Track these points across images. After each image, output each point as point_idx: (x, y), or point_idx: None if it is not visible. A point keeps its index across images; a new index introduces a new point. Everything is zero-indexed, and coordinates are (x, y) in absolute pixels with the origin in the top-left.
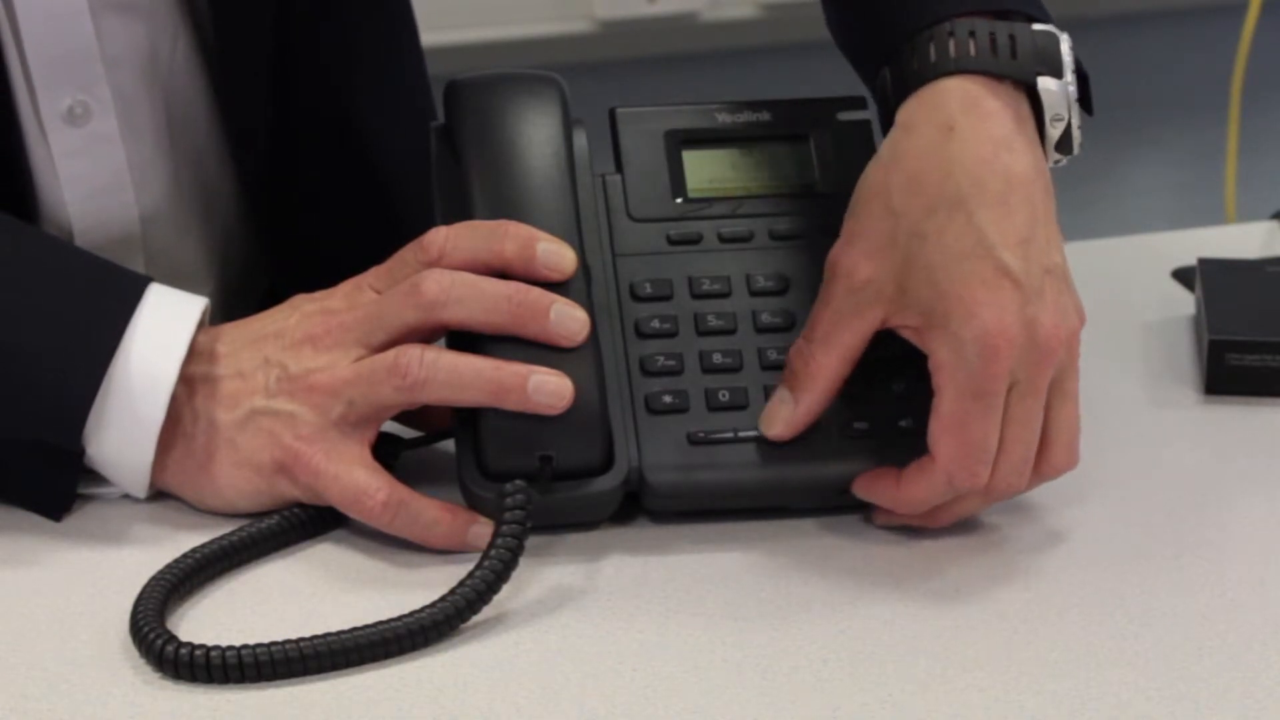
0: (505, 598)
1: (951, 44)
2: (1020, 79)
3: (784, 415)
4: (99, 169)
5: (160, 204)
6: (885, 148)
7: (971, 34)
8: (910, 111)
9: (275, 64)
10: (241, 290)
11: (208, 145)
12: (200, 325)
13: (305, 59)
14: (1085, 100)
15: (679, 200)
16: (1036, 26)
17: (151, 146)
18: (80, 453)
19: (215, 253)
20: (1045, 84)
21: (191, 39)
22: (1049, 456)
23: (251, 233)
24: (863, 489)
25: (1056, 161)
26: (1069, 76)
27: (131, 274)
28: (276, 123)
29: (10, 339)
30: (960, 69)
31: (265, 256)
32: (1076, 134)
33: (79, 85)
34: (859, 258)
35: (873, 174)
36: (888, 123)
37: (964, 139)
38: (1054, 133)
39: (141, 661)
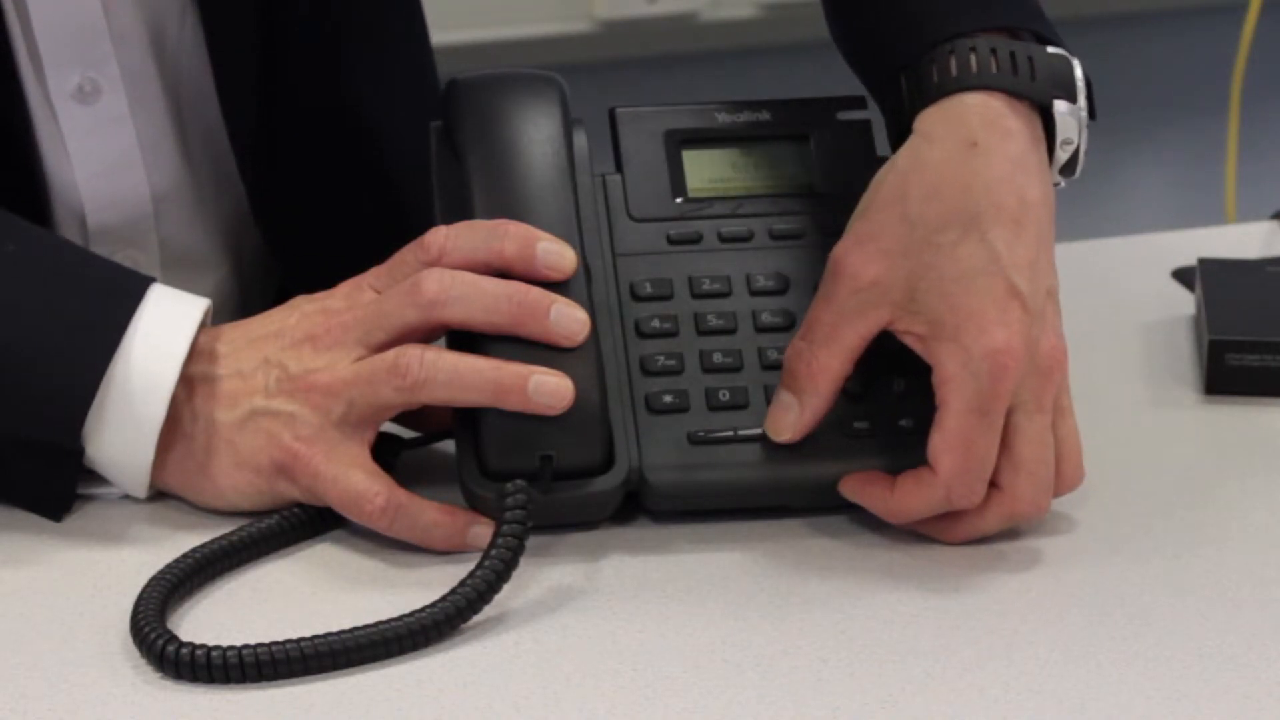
0: (505, 598)
1: (973, 59)
2: (1038, 100)
3: (790, 420)
4: (109, 148)
5: (171, 184)
6: (904, 154)
7: (993, 51)
8: (931, 122)
9: (266, 53)
10: (255, 276)
11: (218, 126)
12: (202, 326)
13: (297, 49)
14: (1089, 105)
15: (679, 200)
16: (1050, 49)
17: (161, 126)
18: (80, 452)
19: (228, 237)
20: (1059, 107)
21: (199, 17)
22: (1061, 472)
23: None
24: (851, 491)
25: (1057, 184)
26: (1081, 101)
27: (134, 274)
28: (271, 114)
29: (11, 337)
30: (983, 85)
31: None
32: (1082, 158)
33: (88, 63)
34: (867, 259)
35: (889, 178)
36: (898, 130)
37: (986, 156)
38: (1062, 155)
39: (142, 661)
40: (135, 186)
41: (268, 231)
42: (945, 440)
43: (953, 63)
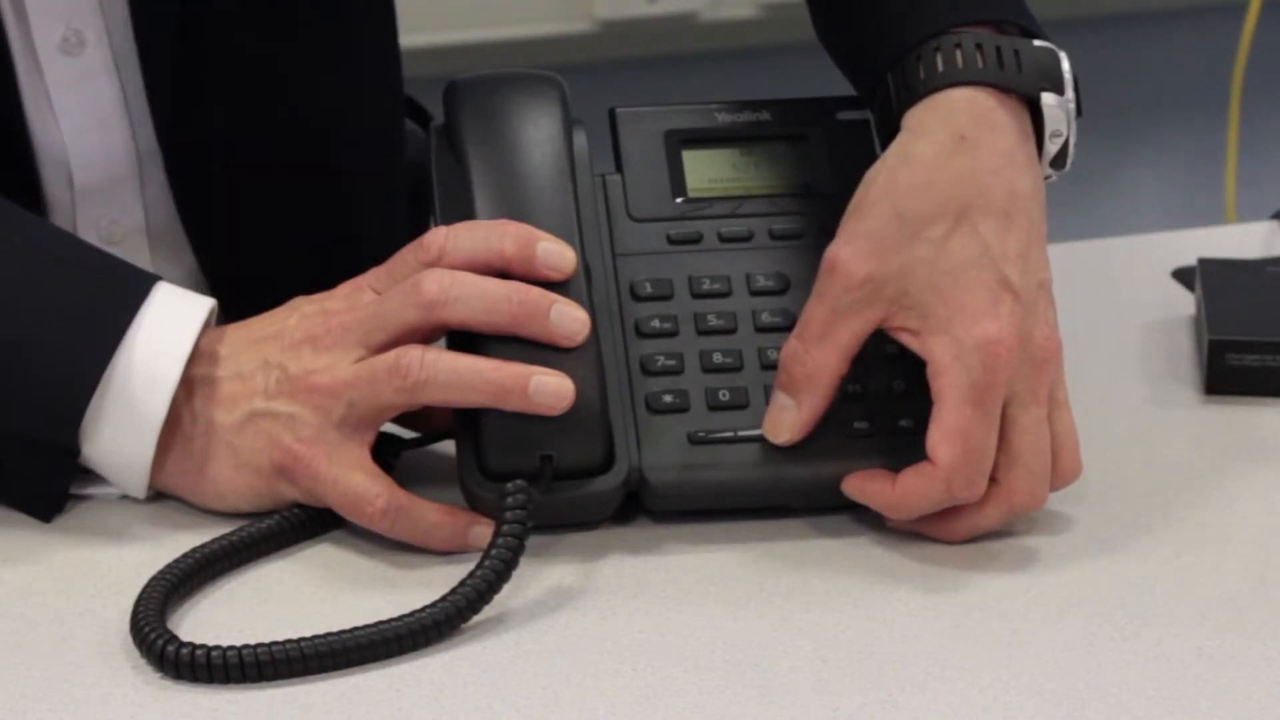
0: (505, 598)
1: (959, 55)
2: (1025, 94)
3: (788, 421)
4: (94, 102)
5: (154, 144)
6: (893, 150)
7: (978, 46)
8: (919, 118)
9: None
10: None
11: None
12: (206, 326)
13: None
14: (1076, 103)
15: (679, 200)
16: (1036, 43)
17: (143, 82)
18: (76, 451)
19: None
20: (1047, 100)
21: None
22: (1058, 465)
23: None
24: (854, 489)
25: (1048, 177)
26: (1069, 94)
27: (140, 272)
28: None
29: (13, 333)
30: (969, 80)
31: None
32: (1072, 150)
33: (73, 14)
34: (860, 257)
35: (879, 175)
36: (886, 129)
37: (975, 150)
38: (1051, 148)
39: (142, 661)
40: (121, 143)
41: (196, 244)
42: (943, 432)
43: (939, 59)
